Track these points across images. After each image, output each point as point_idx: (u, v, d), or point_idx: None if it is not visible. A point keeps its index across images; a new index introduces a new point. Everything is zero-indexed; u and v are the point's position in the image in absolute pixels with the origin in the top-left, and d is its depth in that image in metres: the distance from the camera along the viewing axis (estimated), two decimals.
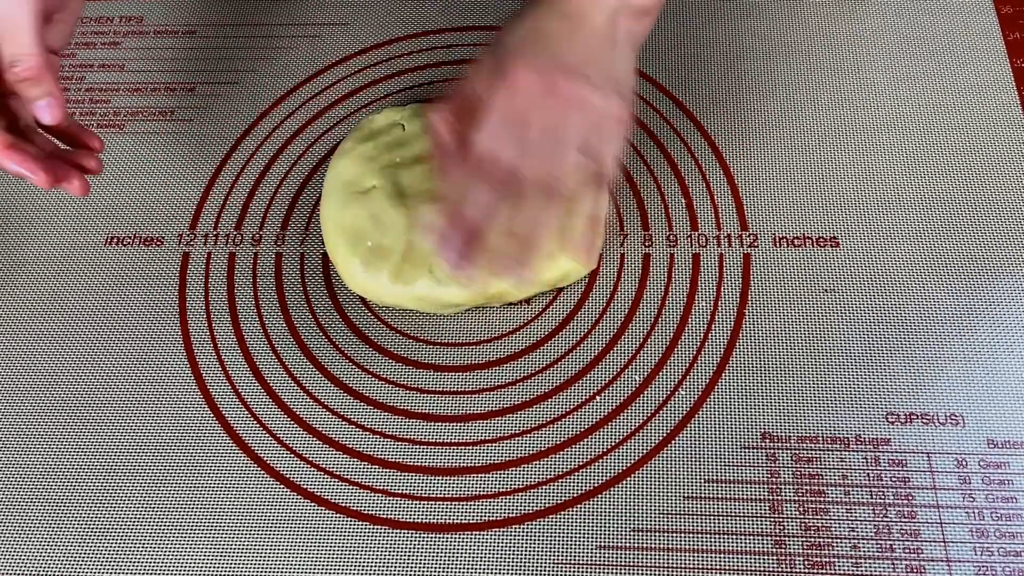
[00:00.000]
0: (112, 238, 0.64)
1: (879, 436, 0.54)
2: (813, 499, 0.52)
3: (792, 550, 0.51)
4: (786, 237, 0.61)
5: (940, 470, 0.53)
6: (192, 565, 0.52)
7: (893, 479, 0.52)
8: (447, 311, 0.59)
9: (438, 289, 0.57)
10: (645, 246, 0.61)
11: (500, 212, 0.49)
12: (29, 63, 0.49)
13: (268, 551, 0.52)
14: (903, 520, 0.51)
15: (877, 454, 0.53)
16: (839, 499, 0.52)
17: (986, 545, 0.51)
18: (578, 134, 0.49)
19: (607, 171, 0.51)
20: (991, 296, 0.58)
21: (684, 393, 0.56)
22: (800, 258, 0.60)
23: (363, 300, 0.60)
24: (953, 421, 0.54)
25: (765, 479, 0.53)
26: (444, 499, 0.53)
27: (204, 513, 0.54)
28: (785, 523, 0.52)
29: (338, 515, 0.53)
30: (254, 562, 0.52)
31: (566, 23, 0.50)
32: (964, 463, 0.53)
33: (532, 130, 0.48)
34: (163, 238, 0.64)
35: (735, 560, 0.51)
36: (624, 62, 0.51)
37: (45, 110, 0.50)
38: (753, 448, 0.54)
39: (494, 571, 0.51)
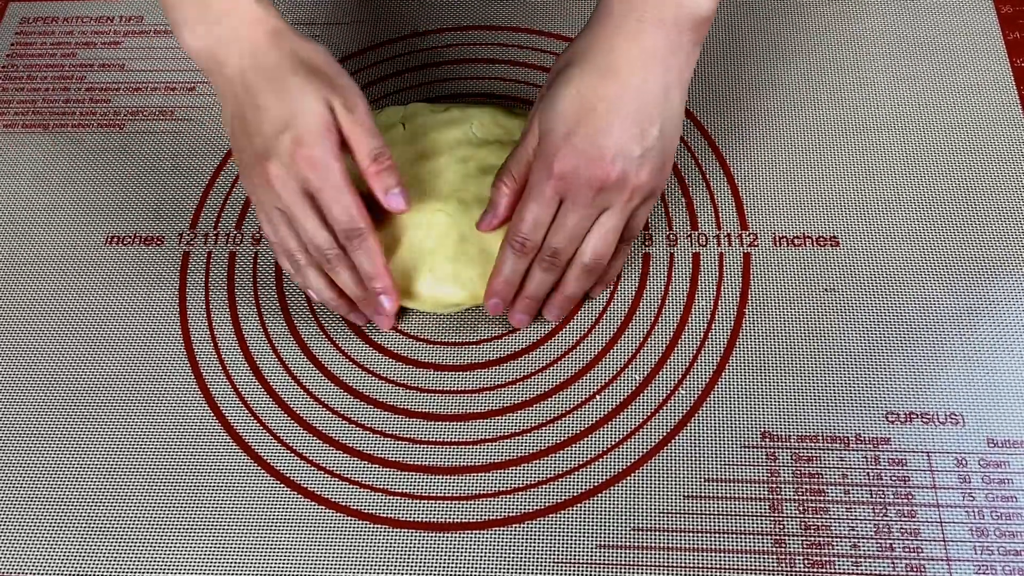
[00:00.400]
0: (112, 238, 0.64)
1: (879, 435, 0.54)
2: (813, 498, 0.52)
3: (792, 549, 0.51)
4: (786, 236, 0.61)
5: (940, 469, 0.53)
6: (192, 561, 0.52)
7: (893, 478, 0.52)
8: (447, 311, 0.59)
9: (438, 289, 0.57)
10: (645, 245, 0.61)
11: (547, 285, 0.56)
12: (387, 154, 0.54)
13: (268, 549, 0.52)
14: (903, 519, 0.51)
15: (877, 453, 0.53)
16: (839, 498, 0.52)
17: (986, 544, 0.51)
18: (614, 218, 0.53)
19: (635, 235, 0.56)
20: (991, 296, 0.58)
21: (684, 392, 0.56)
22: (800, 258, 0.60)
23: None
24: (953, 420, 0.54)
25: (765, 478, 0.53)
26: (444, 498, 0.53)
27: (205, 511, 0.54)
28: (785, 522, 0.52)
29: (338, 514, 0.53)
30: (254, 560, 0.52)
31: (615, 83, 0.50)
32: (964, 462, 0.53)
33: (569, 218, 0.52)
34: (163, 238, 0.64)
35: (735, 559, 0.51)
36: (673, 112, 0.51)
37: (397, 198, 0.54)
38: (753, 447, 0.54)
39: (494, 570, 0.51)
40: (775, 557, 0.51)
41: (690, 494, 0.53)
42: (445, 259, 0.56)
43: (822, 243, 0.60)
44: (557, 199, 0.52)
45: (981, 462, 0.53)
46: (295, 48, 0.53)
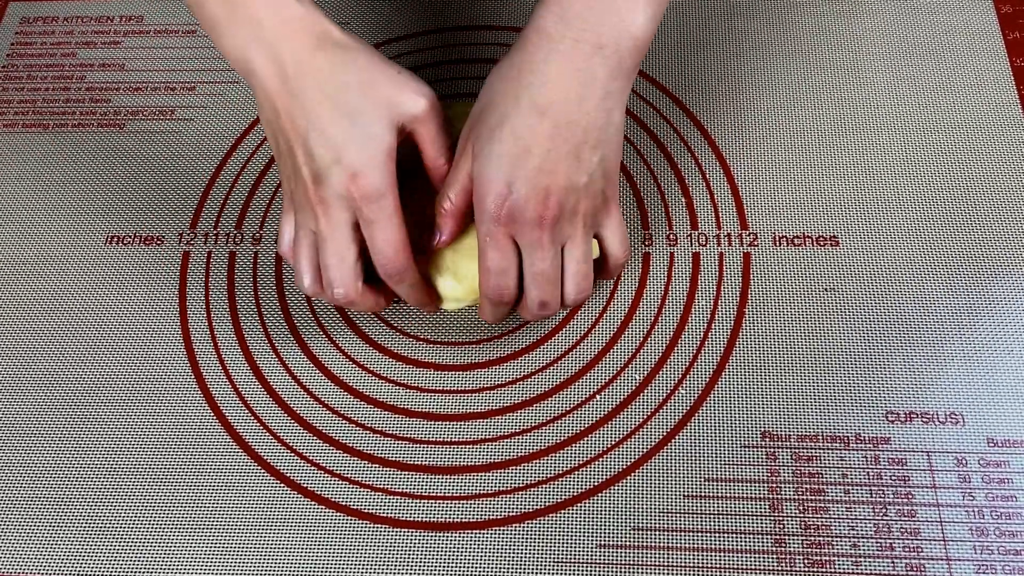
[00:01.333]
0: (112, 237, 0.64)
1: (879, 435, 0.54)
2: (813, 498, 0.52)
3: (792, 549, 0.51)
4: (786, 236, 0.61)
5: (940, 469, 0.53)
6: (192, 559, 0.52)
7: (893, 478, 0.52)
8: (447, 307, 0.58)
9: (438, 282, 0.56)
10: (645, 245, 0.61)
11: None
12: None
13: (268, 548, 0.52)
14: (903, 519, 0.51)
15: (877, 453, 0.53)
16: (839, 498, 0.52)
17: (986, 544, 0.51)
18: (578, 248, 0.51)
19: (624, 248, 0.54)
20: (991, 295, 0.58)
21: (684, 392, 0.56)
22: (800, 257, 0.60)
23: None
24: (953, 420, 0.54)
25: (765, 477, 0.53)
26: (444, 497, 0.53)
27: (205, 510, 0.54)
28: (785, 521, 0.52)
29: (338, 513, 0.53)
30: (254, 559, 0.52)
31: (551, 120, 0.47)
32: (964, 462, 0.53)
33: (538, 266, 0.50)
34: (163, 238, 0.64)
35: (735, 558, 0.51)
36: (612, 135, 0.49)
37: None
38: (753, 446, 0.54)
39: (495, 569, 0.51)
40: (775, 557, 0.51)
41: (690, 493, 0.53)
42: (444, 253, 0.56)
43: (822, 243, 0.60)
44: (512, 242, 0.50)
45: (981, 462, 0.53)
46: (345, 54, 0.48)
